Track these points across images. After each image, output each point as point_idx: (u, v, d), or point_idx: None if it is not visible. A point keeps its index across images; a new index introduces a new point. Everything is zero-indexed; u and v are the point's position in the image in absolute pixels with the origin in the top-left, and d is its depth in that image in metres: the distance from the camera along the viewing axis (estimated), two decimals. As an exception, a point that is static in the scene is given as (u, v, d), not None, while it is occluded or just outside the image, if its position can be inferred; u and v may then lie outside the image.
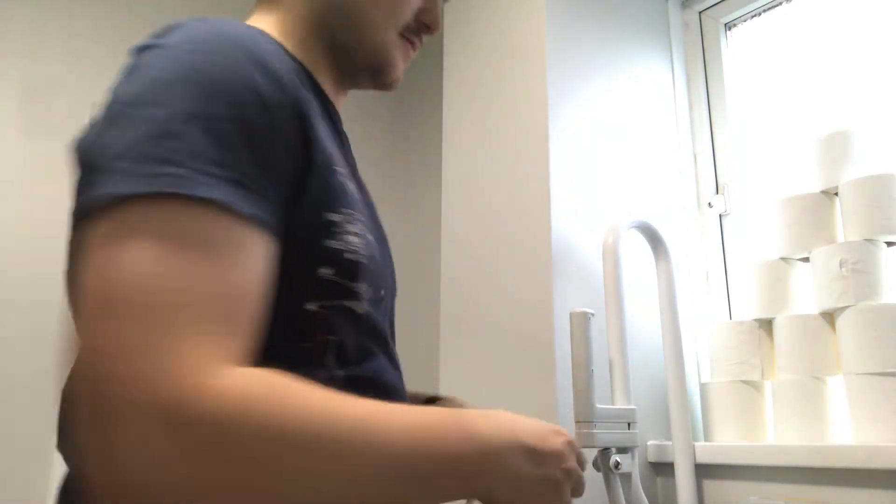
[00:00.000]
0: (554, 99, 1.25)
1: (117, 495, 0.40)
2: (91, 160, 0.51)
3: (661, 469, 1.21)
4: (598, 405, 0.97)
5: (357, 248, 0.58)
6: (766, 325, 1.21)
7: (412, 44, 0.75)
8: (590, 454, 1.00)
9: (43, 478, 1.58)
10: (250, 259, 0.48)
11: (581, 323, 0.99)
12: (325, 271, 0.56)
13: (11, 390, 1.59)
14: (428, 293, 1.65)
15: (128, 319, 0.41)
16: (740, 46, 1.54)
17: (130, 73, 0.55)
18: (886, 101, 1.25)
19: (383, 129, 2.36)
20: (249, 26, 0.61)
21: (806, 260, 1.20)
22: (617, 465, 0.98)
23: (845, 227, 1.15)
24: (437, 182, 1.47)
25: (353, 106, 2.62)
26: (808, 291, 1.19)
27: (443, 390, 1.24)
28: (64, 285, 0.57)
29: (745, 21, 1.54)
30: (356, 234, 0.58)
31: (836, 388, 1.11)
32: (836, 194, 1.19)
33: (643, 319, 1.25)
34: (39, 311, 1.67)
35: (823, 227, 1.18)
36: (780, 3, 1.48)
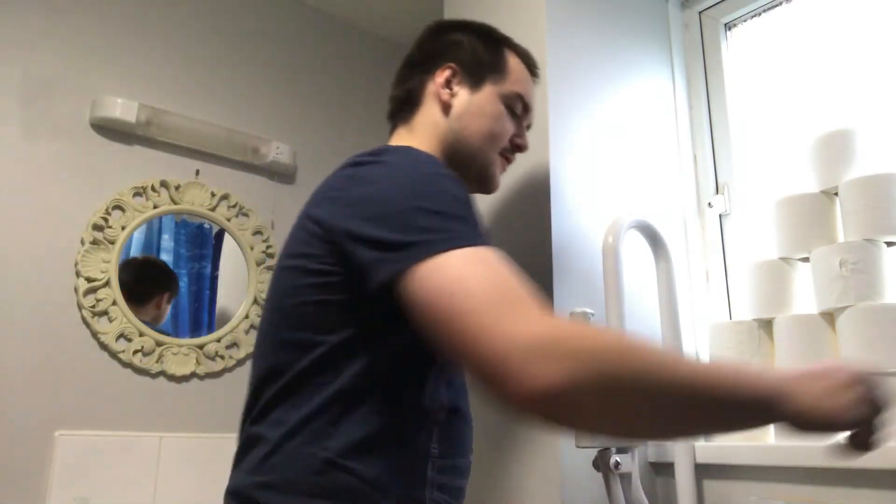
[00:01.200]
0: (554, 99, 1.25)
1: (531, 398, 0.58)
2: (405, 224, 0.72)
3: (661, 469, 1.21)
4: (598, 405, 0.97)
5: None
6: (766, 325, 1.21)
7: (507, 159, 1.05)
8: (590, 454, 1.00)
9: (44, 466, 1.58)
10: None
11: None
12: None
13: (11, 390, 1.59)
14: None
15: (488, 298, 0.63)
16: (740, 46, 1.54)
17: (378, 172, 0.80)
18: (886, 101, 1.25)
19: (384, 131, 2.36)
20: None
21: (806, 260, 1.20)
22: (617, 465, 0.98)
23: (845, 227, 1.15)
24: (437, 182, 1.46)
25: (353, 107, 2.62)
26: (808, 291, 1.19)
27: (443, 390, 1.24)
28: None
29: (745, 21, 1.54)
30: None
31: (836, 388, 1.11)
32: (836, 194, 1.19)
33: (643, 319, 1.25)
34: (39, 307, 1.67)
35: (823, 227, 1.18)
36: (780, 3, 1.48)
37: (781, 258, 1.22)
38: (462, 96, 0.99)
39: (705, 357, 1.33)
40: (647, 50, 1.49)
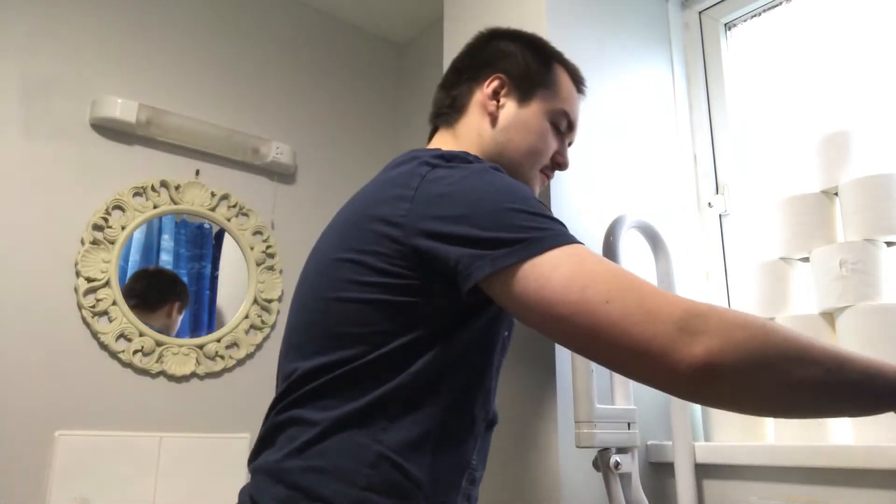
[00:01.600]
0: (554, 99, 1.25)
1: (698, 373, 0.62)
2: (502, 223, 0.74)
3: (661, 469, 1.21)
4: (598, 405, 0.97)
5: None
6: (766, 325, 1.21)
7: (547, 176, 1.04)
8: (590, 454, 1.00)
9: (44, 466, 1.58)
10: None
11: (581, 323, 0.99)
12: (505, 334, 0.92)
13: (11, 389, 1.59)
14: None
15: (625, 286, 0.67)
16: (740, 46, 1.54)
17: (456, 174, 0.80)
18: (886, 101, 1.25)
19: (385, 131, 2.36)
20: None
21: (806, 260, 1.20)
22: (617, 465, 0.98)
23: (845, 227, 1.15)
24: (437, 182, 1.46)
25: (353, 107, 2.61)
26: (808, 291, 1.19)
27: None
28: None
29: (745, 21, 1.54)
30: None
31: (836, 388, 1.11)
32: (836, 194, 1.19)
33: (643, 319, 1.25)
34: (39, 307, 1.67)
35: (823, 227, 1.18)
36: (780, 3, 1.48)
37: (781, 258, 1.22)
38: (509, 108, 0.98)
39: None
40: (647, 50, 1.49)
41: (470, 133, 0.99)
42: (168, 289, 1.89)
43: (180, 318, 1.87)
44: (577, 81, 1.05)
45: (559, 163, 1.04)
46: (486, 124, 0.98)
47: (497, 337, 0.87)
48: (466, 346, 0.81)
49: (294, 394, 0.81)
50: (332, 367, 0.79)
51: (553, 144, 1.00)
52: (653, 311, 0.64)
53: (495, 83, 0.99)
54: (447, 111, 1.03)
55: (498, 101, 0.99)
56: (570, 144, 1.06)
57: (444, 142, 1.01)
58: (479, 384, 0.84)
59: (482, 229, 0.73)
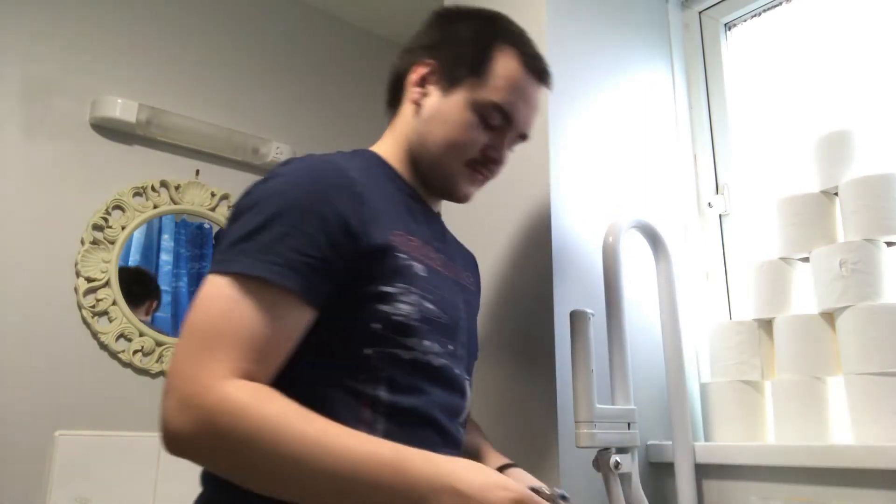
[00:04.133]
0: (554, 98, 1.25)
1: (166, 437, 0.68)
2: (219, 240, 0.78)
3: (661, 469, 1.21)
4: (598, 405, 0.97)
5: (406, 313, 0.79)
6: (766, 325, 1.21)
7: (479, 172, 0.94)
8: (590, 454, 1.00)
9: (44, 466, 1.58)
10: (285, 319, 0.72)
11: (581, 323, 0.99)
12: (376, 326, 0.78)
13: (11, 389, 1.59)
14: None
15: (195, 337, 0.69)
16: (740, 46, 1.54)
17: (258, 184, 0.80)
18: (886, 101, 1.25)
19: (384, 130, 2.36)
20: (335, 162, 0.83)
21: (806, 260, 1.20)
22: (617, 465, 0.97)
23: (845, 227, 1.15)
24: (437, 182, 1.47)
25: (353, 107, 2.61)
26: (808, 291, 1.19)
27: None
28: None
29: (745, 21, 1.54)
30: (408, 303, 0.80)
31: (836, 388, 1.11)
32: (836, 194, 1.19)
33: (643, 319, 1.25)
34: (39, 306, 1.67)
35: (823, 227, 1.18)
36: (780, 3, 1.48)
37: (781, 258, 1.22)
38: (433, 97, 0.92)
39: (704, 357, 1.33)
40: (647, 50, 1.49)
41: (402, 125, 0.95)
42: (150, 286, 1.90)
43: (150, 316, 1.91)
44: (533, 69, 0.94)
45: (491, 158, 0.93)
46: (412, 114, 0.93)
47: None
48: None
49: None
50: None
51: (479, 138, 0.91)
52: (180, 373, 0.69)
53: (423, 70, 0.92)
54: (389, 99, 0.99)
55: (424, 89, 0.92)
56: (523, 138, 0.97)
57: (385, 136, 0.98)
58: None
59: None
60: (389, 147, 0.96)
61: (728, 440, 1.18)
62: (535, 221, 1.21)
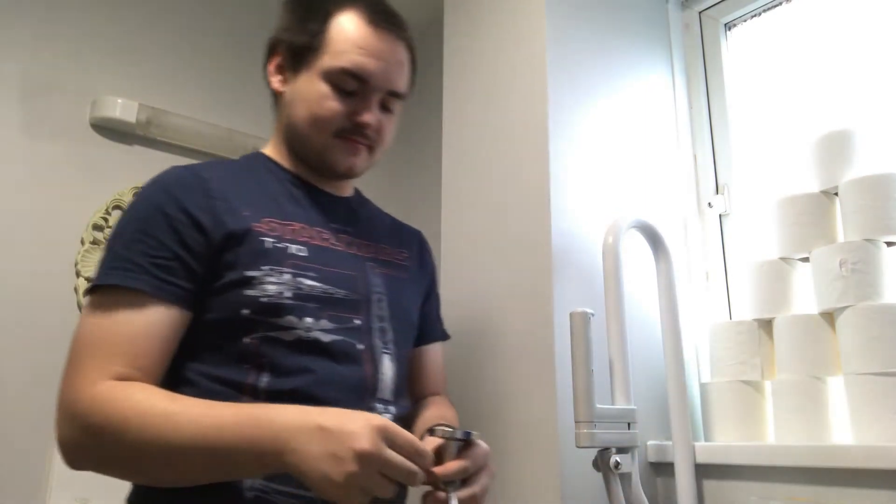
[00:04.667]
0: (554, 99, 1.25)
1: (62, 451, 0.76)
2: None
3: (661, 469, 1.21)
4: (598, 405, 0.97)
5: (274, 293, 0.82)
6: (766, 325, 1.21)
7: (355, 141, 0.94)
8: (590, 454, 1.00)
9: (44, 466, 1.58)
10: (142, 318, 0.78)
11: (581, 323, 0.99)
12: (245, 312, 0.82)
13: (11, 389, 1.59)
14: (428, 293, 1.64)
15: (72, 355, 0.78)
16: (740, 46, 1.54)
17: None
18: (886, 101, 1.25)
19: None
20: (189, 167, 0.89)
21: (806, 260, 1.20)
22: (617, 465, 0.98)
23: (845, 227, 1.15)
24: (437, 182, 1.47)
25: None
26: (808, 291, 1.19)
27: (443, 390, 1.24)
28: None
29: (745, 21, 1.54)
30: (277, 283, 0.82)
31: (836, 388, 1.11)
32: (836, 194, 1.19)
33: (643, 319, 1.25)
34: (38, 309, 1.67)
35: (823, 227, 1.18)
36: (780, 3, 1.48)
37: (781, 258, 1.22)
38: (290, 82, 0.95)
39: (704, 357, 1.33)
40: (647, 50, 1.49)
41: (278, 118, 1.00)
42: None
43: None
44: (374, 21, 0.92)
45: (361, 123, 0.92)
46: (280, 104, 0.98)
47: None
48: None
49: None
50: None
51: (337, 107, 0.90)
52: (69, 385, 0.76)
53: (276, 59, 0.97)
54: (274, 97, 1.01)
55: (283, 77, 0.96)
56: (396, 96, 0.95)
57: (272, 138, 1.02)
58: None
59: None
60: (273, 142, 1.01)
61: (728, 440, 1.18)
62: (535, 221, 1.21)
